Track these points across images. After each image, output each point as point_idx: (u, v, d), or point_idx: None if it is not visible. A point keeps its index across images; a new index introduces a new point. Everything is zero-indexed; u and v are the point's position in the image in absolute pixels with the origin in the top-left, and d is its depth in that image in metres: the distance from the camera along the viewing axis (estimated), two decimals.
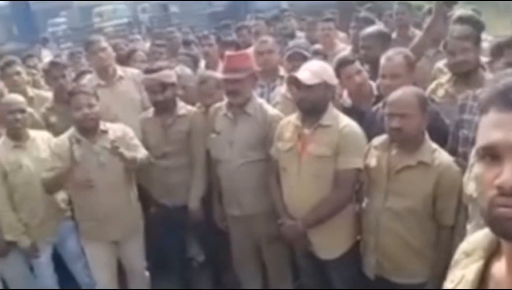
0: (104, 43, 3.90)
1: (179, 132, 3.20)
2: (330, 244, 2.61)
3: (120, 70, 3.93)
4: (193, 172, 3.23)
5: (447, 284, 1.01)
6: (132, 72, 4.01)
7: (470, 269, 0.95)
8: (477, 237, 1.01)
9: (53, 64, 4.02)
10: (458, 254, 1.04)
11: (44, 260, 3.34)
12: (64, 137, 3.05)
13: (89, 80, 3.90)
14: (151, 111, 3.29)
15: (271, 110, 3.00)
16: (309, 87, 2.49)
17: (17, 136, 3.21)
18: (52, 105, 3.79)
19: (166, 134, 3.21)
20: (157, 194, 3.40)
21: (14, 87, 3.75)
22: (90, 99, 2.99)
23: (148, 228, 3.71)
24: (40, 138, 3.33)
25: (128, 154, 2.89)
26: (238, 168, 2.92)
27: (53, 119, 3.73)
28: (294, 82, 2.57)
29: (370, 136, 2.58)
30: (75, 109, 2.97)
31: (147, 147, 3.31)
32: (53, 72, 3.88)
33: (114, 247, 3.24)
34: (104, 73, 3.84)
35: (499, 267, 0.92)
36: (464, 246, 1.05)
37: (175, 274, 3.67)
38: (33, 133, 3.33)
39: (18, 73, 3.99)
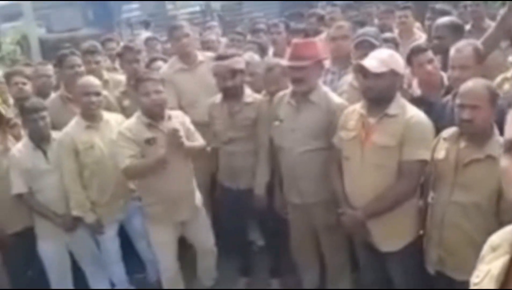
0: (187, 29, 4.02)
1: (245, 119, 3.28)
2: (391, 237, 2.59)
3: (200, 55, 4.05)
4: (258, 159, 3.31)
5: (473, 279, 1.00)
6: (212, 57, 4.13)
7: (496, 264, 0.95)
8: (504, 231, 1.00)
9: (127, 48, 4.20)
10: (485, 248, 1.04)
11: (110, 237, 3.54)
12: (133, 122, 3.21)
13: (172, 62, 4.06)
14: (219, 97, 3.39)
15: (336, 99, 3.00)
16: (376, 75, 2.47)
17: (90, 117, 3.40)
18: (125, 89, 3.98)
19: (232, 120, 3.30)
20: (222, 177, 3.54)
21: (92, 71, 3.96)
22: (157, 86, 3.13)
23: (213, 211, 3.90)
24: (114, 120, 3.51)
25: (187, 143, 3.07)
26: (299, 156, 2.95)
27: (126, 102, 3.91)
28: (360, 70, 2.56)
29: (438, 128, 2.53)
30: (143, 95, 3.12)
31: (213, 132, 3.46)
32: (127, 56, 4.07)
33: (179, 228, 3.39)
34: (186, 57, 3.97)
35: None
36: (491, 240, 1.04)
37: (235, 257, 3.81)
38: (106, 115, 3.52)
39: (97, 61, 4.17)
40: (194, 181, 3.40)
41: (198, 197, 3.44)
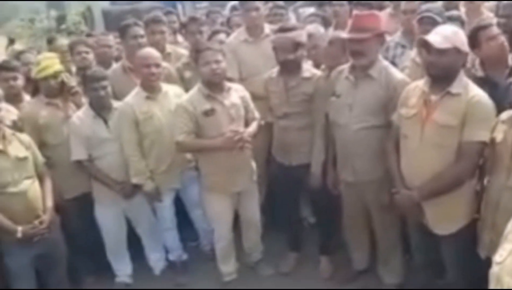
0: (257, 3, 4.03)
1: (301, 94, 3.29)
2: (445, 219, 2.54)
3: (267, 28, 4.07)
4: (314, 136, 3.31)
5: (496, 257, 1.00)
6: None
7: None
8: None
9: (192, 19, 4.30)
10: (509, 227, 1.03)
11: (166, 204, 3.69)
12: (193, 93, 3.31)
13: (238, 33, 4.11)
14: (276, 71, 3.40)
15: (397, 74, 2.95)
16: (439, 51, 2.40)
17: (150, 88, 3.51)
18: (187, 61, 4.05)
19: (288, 95, 3.31)
20: (275, 152, 3.58)
21: (156, 41, 4.07)
22: (217, 56, 3.20)
23: (267, 185, 3.96)
24: (172, 92, 3.61)
25: (247, 137, 3.21)
26: (355, 133, 2.94)
27: (187, 74, 3.99)
28: (424, 46, 2.50)
29: (501, 110, 2.43)
30: (202, 65, 3.20)
31: (269, 106, 3.50)
32: (191, 27, 4.16)
33: (235, 199, 3.49)
34: (253, 30, 4.01)
35: None
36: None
37: (286, 232, 3.87)
38: (165, 86, 3.62)
39: (161, 31, 4.21)
40: (251, 153, 3.47)
41: (254, 170, 3.52)
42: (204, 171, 3.45)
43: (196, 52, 3.32)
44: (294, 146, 3.39)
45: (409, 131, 2.60)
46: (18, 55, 4.41)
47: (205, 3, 10.07)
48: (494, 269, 1.02)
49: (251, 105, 3.43)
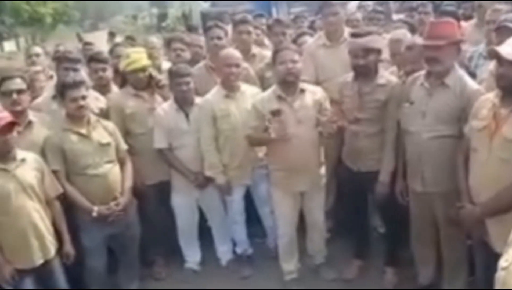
0: (338, 8, 4.11)
1: (374, 100, 3.29)
2: (507, 237, 2.45)
3: (346, 33, 4.10)
4: (385, 144, 3.30)
5: (502, 262, 1.03)
6: None
7: None
8: None
9: (276, 21, 4.51)
10: None
11: (236, 199, 3.88)
12: (267, 94, 3.47)
13: (318, 37, 4.21)
14: (351, 75, 3.44)
15: (472, 84, 2.88)
16: (510, 63, 2.32)
17: (229, 87, 3.71)
18: (269, 61, 4.11)
19: (361, 101, 3.33)
20: (345, 157, 3.61)
21: (242, 41, 4.27)
22: (294, 55, 3.31)
23: (337, 189, 4.02)
24: (250, 92, 3.78)
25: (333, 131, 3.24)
26: (426, 141, 2.91)
27: (268, 74, 4.16)
28: (495, 57, 2.44)
29: None
30: (279, 64, 3.32)
31: (342, 110, 3.54)
32: (275, 29, 4.34)
33: (299, 198, 3.58)
34: (332, 34, 4.08)
35: None
36: None
37: (352, 239, 3.89)
38: (244, 86, 3.81)
39: (248, 31, 4.43)
40: (320, 155, 3.55)
41: (321, 172, 3.58)
42: (271, 168, 3.59)
43: (274, 52, 3.45)
44: (363, 152, 3.41)
45: (478, 144, 2.54)
46: (112, 48, 4.84)
47: (300, 8, 10.24)
48: (500, 274, 1.05)
49: (328, 107, 3.45)
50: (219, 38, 4.18)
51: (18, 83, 3.29)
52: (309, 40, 4.30)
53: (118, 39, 10.50)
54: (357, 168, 3.49)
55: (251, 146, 3.60)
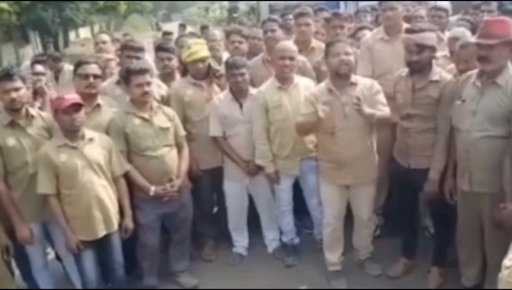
0: (395, 4, 4.14)
1: (428, 97, 3.30)
2: None
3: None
4: (437, 142, 3.31)
5: (506, 261, 1.04)
6: None
7: None
8: None
9: (335, 14, 4.57)
10: None
11: (284, 188, 4.02)
12: (319, 86, 3.58)
13: (377, 31, 4.26)
14: (405, 71, 3.46)
15: None
16: None
17: (283, 79, 3.82)
18: None
19: (414, 97, 3.36)
20: (395, 153, 3.65)
21: (302, 32, 4.38)
22: (347, 48, 3.38)
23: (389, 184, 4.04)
24: (304, 84, 3.88)
25: (367, 110, 3.26)
26: (475, 140, 2.91)
27: (323, 68, 4.19)
28: None
29: None
30: (332, 56, 3.39)
31: (395, 106, 3.58)
32: (333, 22, 4.42)
33: (346, 191, 3.66)
34: (390, 29, 4.11)
35: None
36: None
37: (401, 237, 3.90)
38: (298, 78, 3.91)
39: (306, 23, 4.55)
40: (369, 149, 3.59)
41: (369, 167, 3.62)
42: (320, 159, 3.70)
43: (327, 44, 3.52)
44: (414, 149, 3.43)
45: None
46: (177, 38, 5.12)
47: (369, 2, 10.14)
48: (504, 273, 1.05)
49: (381, 100, 3.47)
50: (273, 31, 4.32)
51: (94, 68, 3.61)
52: (367, 34, 4.34)
53: (189, 30, 10.92)
54: (407, 165, 3.51)
55: (299, 133, 3.67)
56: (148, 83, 3.54)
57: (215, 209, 4.53)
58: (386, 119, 3.47)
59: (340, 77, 3.42)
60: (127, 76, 3.57)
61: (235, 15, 13.68)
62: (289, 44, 3.87)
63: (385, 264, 3.90)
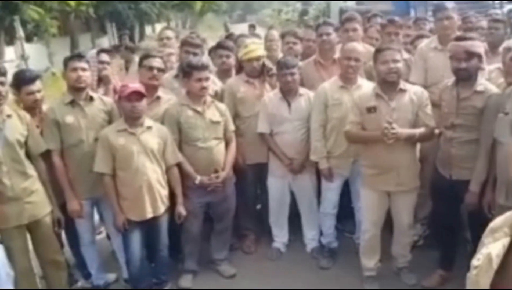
0: (450, 12, 4.22)
1: (471, 107, 3.34)
2: None
3: None
4: (480, 153, 3.32)
5: (474, 261, 1.09)
6: None
7: (496, 245, 1.03)
8: (505, 216, 1.09)
9: (390, 21, 4.67)
10: (485, 233, 1.13)
11: (333, 187, 4.14)
12: (367, 91, 3.67)
13: (431, 40, 4.33)
14: (451, 80, 3.50)
15: None
16: None
17: (346, 79, 3.95)
18: None
19: (459, 106, 3.40)
20: (438, 163, 3.68)
21: (349, 38, 4.49)
22: (396, 55, 3.46)
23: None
24: (366, 85, 3.94)
25: (404, 132, 3.39)
26: None
27: (374, 72, 4.35)
28: None
29: None
30: (380, 63, 3.48)
31: (440, 114, 3.63)
32: (388, 28, 4.53)
33: (386, 198, 3.74)
34: (444, 38, 4.14)
35: None
36: (491, 224, 1.12)
37: (441, 247, 3.92)
38: (361, 80, 4.03)
39: (354, 28, 4.64)
40: (412, 157, 3.65)
41: (412, 175, 3.66)
42: (362, 163, 3.80)
43: (376, 51, 3.60)
44: (456, 160, 3.47)
45: None
46: (236, 38, 5.38)
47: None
48: (472, 273, 1.11)
49: (428, 112, 3.55)
50: (328, 34, 4.45)
51: (158, 62, 3.95)
52: (422, 43, 4.40)
53: (258, 31, 11.24)
54: (449, 176, 3.56)
55: (349, 142, 3.81)
56: (207, 79, 3.81)
57: (259, 205, 4.73)
58: (428, 136, 3.54)
59: (388, 83, 3.51)
60: (188, 70, 3.82)
61: (305, 17, 13.93)
62: (357, 46, 3.99)
63: (422, 274, 3.93)
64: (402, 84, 3.58)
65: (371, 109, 3.50)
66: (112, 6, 17.68)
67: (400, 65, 3.49)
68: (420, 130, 3.48)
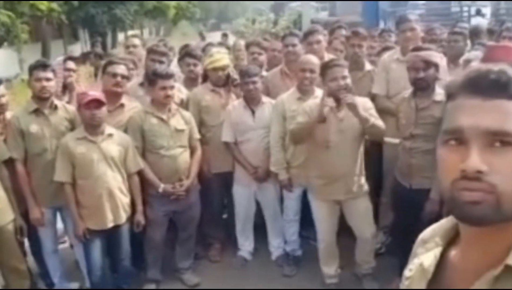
0: (413, 24, 4.30)
1: (430, 116, 3.38)
2: None
3: None
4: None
5: (406, 272, 1.07)
6: None
7: (427, 255, 1.01)
8: (436, 225, 1.08)
9: (354, 33, 4.69)
10: (416, 243, 1.11)
11: (293, 197, 4.17)
12: (318, 100, 3.64)
13: (394, 51, 4.40)
14: (409, 91, 3.55)
15: None
16: None
17: (303, 90, 3.97)
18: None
19: (417, 117, 3.44)
20: (397, 173, 3.73)
21: (311, 52, 4.54)
22: (344, 72, 3.50)
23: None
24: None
25: (362, 112, 3.36)
26: None
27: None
28: None
29: None
30: (330, 80, 3.49)
31: (398, 126, 3.68)
32: (352, 40, 4.59)
33: (337, 207, 3.77)
34: (406, 50, 4.09)
35: (455, 254, 0.98)
36: (422, 235, 1.11)
37: (402, 255, 3.95)
38: (319, 91, 3.97)
39: (318, 41, 4.63)
40: (359, 166, 3.68)
41: (360, 183, 3.69)
42: (310, 175, 3.80)
43: (324, 67, 3.62)
44: (416, 169, 3.50)
45: None
46: (204, 47, 5.39)
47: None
48: (404, 283, 1.08)
49: (374, 114, 3.55)
50: (294, 45, 4.49)
51: (122, 69, 3.92)
52: (385, 54, 4.48)
53: (231, 40, 11.28)
54: (410, 185, 3.59)
55: (293, 141, 3.83)
56: (172, 87, 3.79)
57: (225, 214, 4.71)
58: (380, 129, 3.53)
59: (337, 98, 3.51)
60: (153, 78, 3.80)
61: (273, 29, 14.07)
62: (311, 58, 4.02)
63: (384, 282, 3.95)
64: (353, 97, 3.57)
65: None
66: (85, 11, 17.50)
67: (349, 80, 3.52)
68: (372, 118, 3.48)
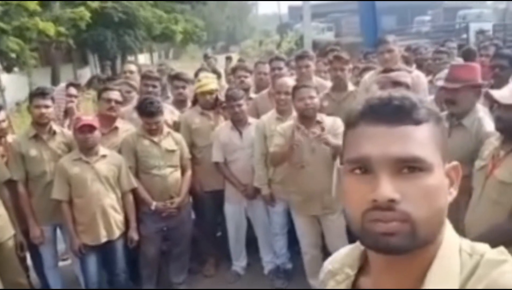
0: (391, 45, 4.46)
1: None
2: None
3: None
4: None
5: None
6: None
7: (341, 286, 1.00)
8: (339, 255, 1.07)
9: (336, 57, 4.84)
10: (323, 275, 1.09)
11: (278, 211, 4.29)
12: (290, 122, 3.83)
13: (374, 72, 4.49)
14: None
15: (488, 127, 2.99)
16: (505, 107, 2.48)
17: (281, 111, 4.13)
18: (327, 92, 4.60)
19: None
20: None
21: (301, 76, 4.73)
22: (311, 92, 3.65)
23: None
24: None
25: (333, 141, 3.50)
26: None
27: (325, 103, 4.50)
28: (490, 100, 2.64)
29: None
30: (297, 100, 3.66)
31: None
32: (334, 64, 4.76)
33: (316, 221, 3.91)
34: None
35: (367, 282, 0.96)
36: (328, 266, 1.09)
37: None
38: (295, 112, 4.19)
39: (307, 66, 4.77)
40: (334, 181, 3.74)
41: (335, 198, 3.73)
42: (291, 190, 3.93)
43: (294, 88, 3.79)
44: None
45: (476, 183, 2.71)
46: (197, 71, 5.61)
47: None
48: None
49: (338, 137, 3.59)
50: (279, 69, 4.70)
51: (116, 94, 4.13)
52: (366, 75, 4.64)
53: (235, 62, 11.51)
54: None
55: (273, 163, 3.99)
56: (157, 122, 3.94)
57: (219, 230, 4.86)
58: None
59: (306, 118, 3.69)
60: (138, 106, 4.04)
61: (276, 51, 14.37)
62: (287, 81, 4.20)
63: None
64: (319, 117, 3.75)
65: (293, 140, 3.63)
66: (94, 38, 17.92)
67: (316, 100, 3.67)
68: (339, 142, 3.54)
